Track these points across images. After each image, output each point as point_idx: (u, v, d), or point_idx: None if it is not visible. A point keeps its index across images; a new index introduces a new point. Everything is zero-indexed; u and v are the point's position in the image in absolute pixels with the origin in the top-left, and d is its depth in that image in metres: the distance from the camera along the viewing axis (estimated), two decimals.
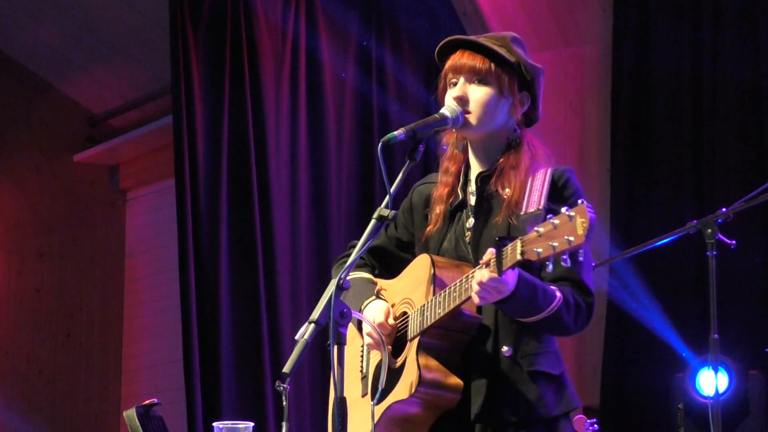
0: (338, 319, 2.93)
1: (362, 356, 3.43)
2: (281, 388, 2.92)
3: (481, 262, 3.04)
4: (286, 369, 2.91)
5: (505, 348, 3.19)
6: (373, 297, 3.38)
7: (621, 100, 7.25)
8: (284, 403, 2.93)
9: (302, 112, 6.96)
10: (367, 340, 3.32)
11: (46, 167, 8.80)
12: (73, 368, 8.70)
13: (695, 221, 4.76)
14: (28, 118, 8.74)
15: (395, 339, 3.32)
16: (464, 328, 3.19)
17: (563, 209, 2.84)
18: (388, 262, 3.51)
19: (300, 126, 6.95)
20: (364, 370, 3.40)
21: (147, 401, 4.14)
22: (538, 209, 3.04)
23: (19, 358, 8.53)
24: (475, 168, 3.36)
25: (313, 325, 2.93)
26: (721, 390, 5.83)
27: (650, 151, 7.08)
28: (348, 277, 3.42)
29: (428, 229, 3.37)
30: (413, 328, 3.25)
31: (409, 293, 3.33)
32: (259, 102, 6.82)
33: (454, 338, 3.19)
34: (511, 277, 3.02)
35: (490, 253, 3.01)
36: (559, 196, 3.21)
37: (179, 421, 6.66)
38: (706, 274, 4.68)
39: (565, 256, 2.81)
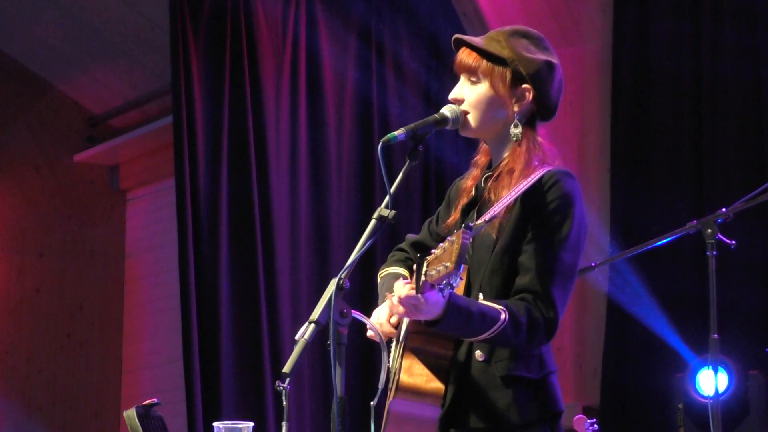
0: (338, 319, 2.93)
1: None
2: (281, 388, 2.92)
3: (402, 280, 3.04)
4: (286, 369, 2.90)
5: (478, 352, 3.13)
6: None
7: (621, 100, 7.24)
8: (284, 403, 2.93)
9: (302, 111, 6.96)
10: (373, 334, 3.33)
11: (46, 167, 8.80)
12: (73, 368, 8.70)
13: (695, 221, 4.75)
14: (28, 118, 8.74)
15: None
16: (445, 334, 3.13)
17: (455, 232, 2.82)
18: None
19: (300, 125, 6.95)
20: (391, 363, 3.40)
21: (147, 401, 4.13)
22: (482, 222, 3.04)
23: (19, 358, 8.53)
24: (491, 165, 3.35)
25: (313, 325, 2.92)
26: (721, 390, 5.83)
27: (650, 151, 7.07)
28: (384, 272, 3.44)
29: (449, 220, 3.34)
30: (402, 332, 3.24)
31: None
32: (259, 101, 6.82)
33: (437, 343, 3.15)
34: (436, 301, 2.96)
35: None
36: (541, 199, 3.13)
37: (179, 421, 6.66)
38: (706, 274, 4.68)
39: (451, 281, 2.79)
